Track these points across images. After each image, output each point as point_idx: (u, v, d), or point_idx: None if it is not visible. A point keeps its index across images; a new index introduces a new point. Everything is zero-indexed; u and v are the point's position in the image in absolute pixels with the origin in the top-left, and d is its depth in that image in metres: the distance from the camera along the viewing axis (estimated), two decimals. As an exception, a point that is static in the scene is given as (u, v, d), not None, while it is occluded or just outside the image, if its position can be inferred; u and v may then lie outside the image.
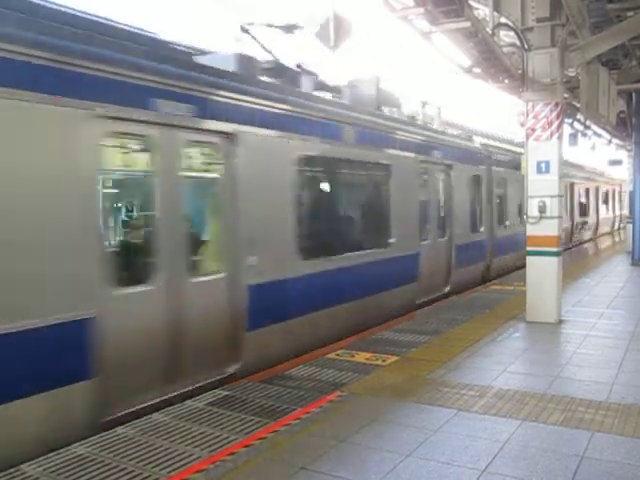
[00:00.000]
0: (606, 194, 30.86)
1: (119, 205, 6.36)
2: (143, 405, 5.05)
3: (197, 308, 5.61)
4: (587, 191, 25.76)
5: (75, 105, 4.58)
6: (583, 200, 24.73)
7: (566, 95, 10.99)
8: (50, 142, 4.45)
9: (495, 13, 8.40)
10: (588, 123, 16.61)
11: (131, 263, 5.43)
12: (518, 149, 17.33)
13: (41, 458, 4.02)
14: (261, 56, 7.71)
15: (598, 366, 6.19)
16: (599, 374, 5.88)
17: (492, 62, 7.76)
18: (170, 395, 5.33)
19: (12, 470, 3.85)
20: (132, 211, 6.42)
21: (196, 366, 5.63)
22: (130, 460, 3.99)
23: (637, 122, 15.90)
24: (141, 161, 5.55)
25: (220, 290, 5.93)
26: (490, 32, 7.85)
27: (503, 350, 6.86)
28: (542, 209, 8.17)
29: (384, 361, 6.39)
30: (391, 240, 9.18)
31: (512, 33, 8.69)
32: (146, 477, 3.76)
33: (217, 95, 6.00)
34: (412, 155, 10.05)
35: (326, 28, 7.73)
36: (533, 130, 8.27)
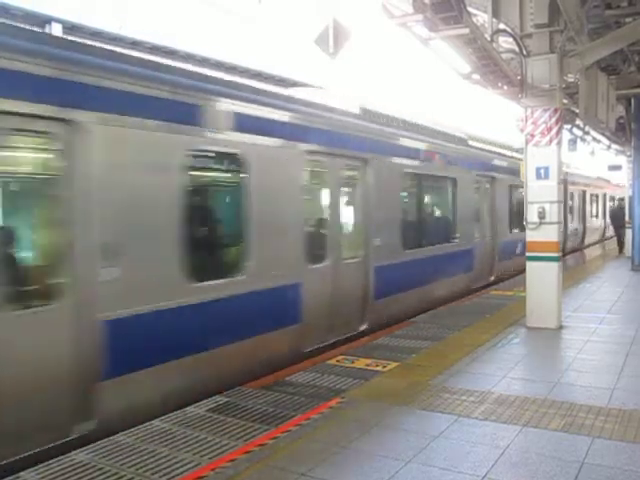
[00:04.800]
0: (577, 198, 23.36)
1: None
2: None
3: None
4: None
5: None
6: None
7: (565, 101, 11.01)
8: None
9: (494, 19, 8.43)
10: (587, 129, 16.63)
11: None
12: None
13: (40, 465, 4.01)
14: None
15: (599, 371, 6.18)
16: (600, 380, 5.88)
17: (491, 68, 7.78)
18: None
19: (11, 477, 3.84)
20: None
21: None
22: (129, 467, 3.98)
23: (636, 127, 15.91)
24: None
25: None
26: (489, 38, 7.88)
27: (503, 356, 6.85)
28: (542, 215, 8.17)
29: (384, 367, 6.38)
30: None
31: (511, 39, 8.73)
32: (146, 484, 3.76)
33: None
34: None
35: (325, 35, 7.75)
36: (532, 136, 8.28)
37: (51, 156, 4.70)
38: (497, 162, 15.03)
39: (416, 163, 10.28)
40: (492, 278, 13.87)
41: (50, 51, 4.66)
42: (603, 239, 28.93)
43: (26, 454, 4.24)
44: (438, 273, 10.97)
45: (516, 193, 15.88)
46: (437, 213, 12.50)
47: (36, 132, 4.49)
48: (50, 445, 4.40)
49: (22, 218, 4.96)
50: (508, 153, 17.26)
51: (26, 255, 4.79)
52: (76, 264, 4.58)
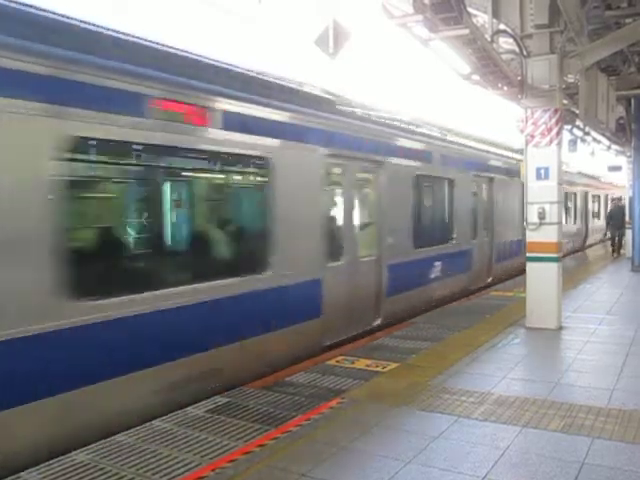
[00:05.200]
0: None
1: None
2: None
3: None
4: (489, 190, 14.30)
5: None
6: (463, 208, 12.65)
7: (565, 101, 11.02)
8: None
9: (494, 20, 8.44)
10: (587, 129, 16.64)
11: None
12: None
13: (41, 465, 4.02)
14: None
15: (598, 372, 6.19)
16: (599, 380, 5.89)
17: (491, 69, 7.79)
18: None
19: (12, 477, 3.84)
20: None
21: None
22: (130, 467, 3.98)
23: (636, 128, 15.94)
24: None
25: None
26: (489, 39, 7.89)
27: (503, 356, 6.85)
28: (542, 215, 8.18)
29: (384, 368, 6.39)
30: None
31: (511, 40, 8.73)
32: (146, 484, 3.76)
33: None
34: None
35: (325, 35, 7.76)
36: (532, 136, 8.29)
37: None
38: (389, 140, 9.58)
39: (126, 123, 5.11)
40: (378, 322, 8.91)
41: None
42: (584, 247, 24.81)
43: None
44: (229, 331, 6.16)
45: (432, 188, 11.32)
46: (190, 226, 6.55)
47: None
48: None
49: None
50: (426, 131, 11.59)
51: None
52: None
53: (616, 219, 20.14)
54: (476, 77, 8.23)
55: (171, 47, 6.15)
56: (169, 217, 6.12)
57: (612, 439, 4.38)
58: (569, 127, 16.23)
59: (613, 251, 19.98)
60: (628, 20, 9.67)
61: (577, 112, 10.99)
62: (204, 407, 5.19)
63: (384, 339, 7.78)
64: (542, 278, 8.23)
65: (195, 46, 6.57)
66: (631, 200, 17.07)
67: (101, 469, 3.95)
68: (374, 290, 8.93)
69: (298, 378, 6.08)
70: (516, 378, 6.02)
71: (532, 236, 8.35)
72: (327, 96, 8.55)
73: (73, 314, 4.59)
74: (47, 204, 4.49)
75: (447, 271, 11.51)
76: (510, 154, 16.08)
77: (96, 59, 4.95)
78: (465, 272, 12.63)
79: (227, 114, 6.20)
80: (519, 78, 8.37)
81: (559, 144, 8.22)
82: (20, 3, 4.66)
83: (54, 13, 4.94)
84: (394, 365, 6.48)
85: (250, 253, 6.83)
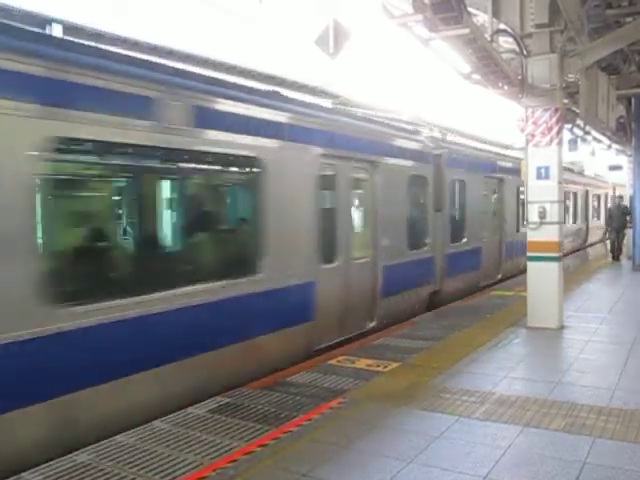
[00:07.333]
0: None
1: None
2: None
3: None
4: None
5: None
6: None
7: (565, 100, 11.01)
8: None
9: (494, 19, 8.43)
10: (588, 128, 16.60)
11: None
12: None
13: (42, 466, 4.01)
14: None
15: (600, 371, 6.18)
16: (601, 380, 5.88)
17: (491, 68, 7.78)
18: None
19: (13, 478, 3.84)
20: None
21: None
22: (131, 468, 3.98)
23: (636, 127, 15.92)
24: None
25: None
26: (489, 39, 7.88)
27: (504, 356, 6.85)
28: (542, 214, 8.17)
29: (385, 367, 6.38)
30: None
31: (511, 39, 8.73)
32: (147, 485, 3.75)
33: None
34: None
35: (325, 35, 7.76)
36: (533, 136, 8.28)
37: None
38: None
39: None
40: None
41: None
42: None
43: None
44: None
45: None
46: None
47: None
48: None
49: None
50: None
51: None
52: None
53: (613, 220, 18.12)
54: (476, 76, 8.22)
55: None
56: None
57: (614, 439, 4.37)
58: (569, 126, 16.19)
59: (613, 257, 18.05)
60: (628, 19, 9.68)
61: (577, 111, 11.00)
62: (205, 407, 5.19)
63: (385, 339, 7.77)
64: (543, 277, 8.23)
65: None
66: (632, 199, 17.01)
67: (102, 469, 3.95)
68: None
69: (299, 378, 6.07)
70: (517, 378, 6.02)
71: (533, 235, 8.34)
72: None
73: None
74: None
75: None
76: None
77: None
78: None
79: None
80: (519, 77, 8.35)
81: (559, 143, 8.22)
82: None
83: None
84: (395, 365, 6.47)
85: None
